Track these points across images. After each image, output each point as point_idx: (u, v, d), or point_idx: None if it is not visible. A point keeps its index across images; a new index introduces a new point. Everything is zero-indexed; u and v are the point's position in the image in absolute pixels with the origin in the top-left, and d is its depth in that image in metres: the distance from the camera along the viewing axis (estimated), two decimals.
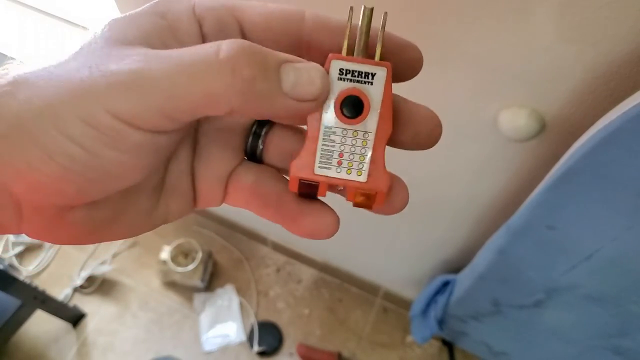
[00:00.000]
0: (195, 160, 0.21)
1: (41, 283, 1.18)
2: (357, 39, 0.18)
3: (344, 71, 0.18)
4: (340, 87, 0.18)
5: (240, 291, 1.25)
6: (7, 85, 0.15)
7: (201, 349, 1.16)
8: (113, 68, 0.15)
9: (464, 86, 0.55)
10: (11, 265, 1.22)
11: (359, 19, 0.18)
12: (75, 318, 1.15)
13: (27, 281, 1.00)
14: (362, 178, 0.19)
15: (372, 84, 0.18)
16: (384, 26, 0.18)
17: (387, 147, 0.19)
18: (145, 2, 0.18)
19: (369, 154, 0.18)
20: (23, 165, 0.15)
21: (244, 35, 0.19)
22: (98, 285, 1.21)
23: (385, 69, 0.18)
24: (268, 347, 1.16)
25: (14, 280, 0.94)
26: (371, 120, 0.18)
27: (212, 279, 1.25)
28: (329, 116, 0.18)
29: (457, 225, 0.81)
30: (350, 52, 0.18)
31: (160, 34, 0.17)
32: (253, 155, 0.21)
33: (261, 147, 0.21)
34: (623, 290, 0.51)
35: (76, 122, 0.15)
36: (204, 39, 0.18)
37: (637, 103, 0.39)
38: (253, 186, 0.20)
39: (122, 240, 1.27)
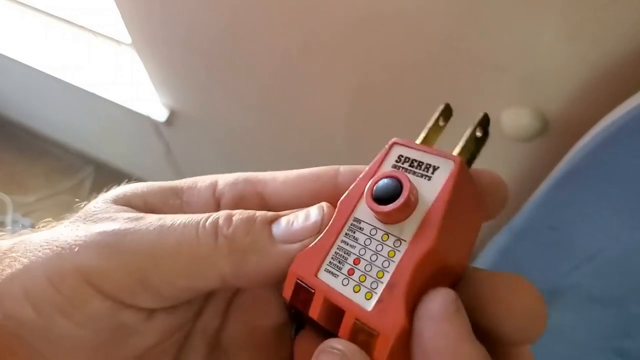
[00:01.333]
0: None
1: None
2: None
3: (402, 159, 0.15)
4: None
5: None
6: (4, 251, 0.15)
7: None
8: (99, 229, 0.14)
9: (465, 85, 0.55)
10: None
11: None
12: None
13: None
14: (368, 304, 0.13)
15: (429, 178, 0.14)
16: (479, 124, 0.15)
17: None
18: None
19: (391, 271, 0.13)
20: None
21: (267, 208, 0.17)
22: None
23: (451, 163, 0.14)
24: None
25: None
26: (410, 225, 0.13)
27: None
28: (364, 209, 0.14)
29: None
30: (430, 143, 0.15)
31: (170, 209, 0.16)
32: None
33: None
34: (626, 291, 0.51)
35: (41, 281, 0.14)
36: (219, 202, 0.17)
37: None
38: None
39: None
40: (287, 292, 0.15)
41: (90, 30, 0.95)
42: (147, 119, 0.93)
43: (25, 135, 1.45)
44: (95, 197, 0.17)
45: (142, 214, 0.15)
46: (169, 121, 0.92)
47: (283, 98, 0.73)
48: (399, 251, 0.13)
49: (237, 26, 0.63)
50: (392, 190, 0.13)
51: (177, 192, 0.17)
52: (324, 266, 0.14)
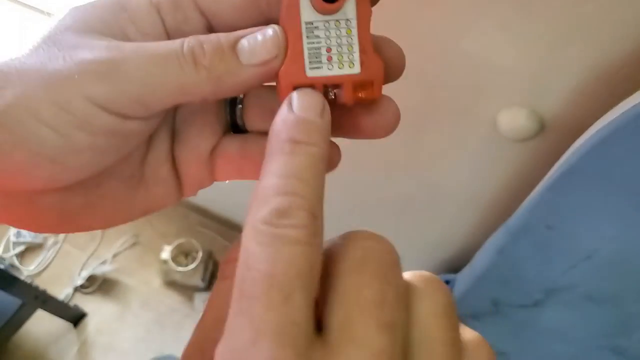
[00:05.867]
0: (175, 147, 0.21)
1: (42, 283, 1.18)
2: None
3: None
4: None
5: None
6: None
7: None
8: (88, 57, 0.16)
9: (463, 86, 0.55)
10: (12, 265, 1.22)
11: None
12: (76, 318, 1.15)
13: (28, 281, 1.00)
14: (356, 69, 0.18)
15: None
16: None
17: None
18: None
19: (356, 42, 0.18)
20: None
21: (199, 8, 0.19)
22: (99, 285, 1.21)
23: None
24: None
25: (15, 280, 0.95)
26: (349, 6, 0.18)
27: (213, 278, 1.25)
28: (307, 11, 0.18)
29: (457, 225, 0.81)
30: None
31: (121, 25, 0.18)
32: (236, 127, 0.21)
33: (240, 114, 0.21)
34: (622, 290, 0.51)
35: (50, 107, 0.16)
36: (164, 25, 0.19)
37: (637, 103, 0.40)
38: (241, 152, 0.21)
39: (123, 240, 1.27)
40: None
41: None
42: None
43: None
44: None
45: (118, 43, 0.17)
46: None
47: None
48: (353, 27, 0.18)
49: None
50: None
51: (121, 6, 0.19)
52: (307, 66, 0.18)
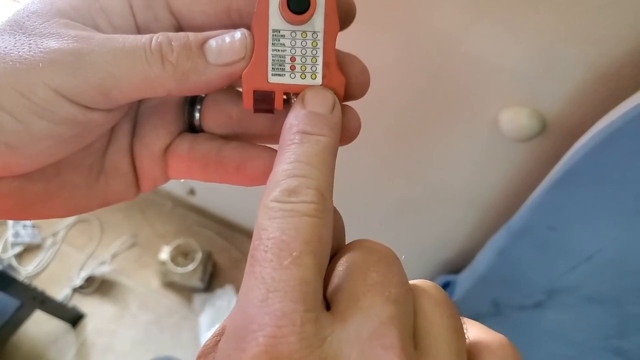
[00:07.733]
0: (134, 141, 0.21)
1: (40, 283, 1.18)
2: None
3: None
4: None
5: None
6: None
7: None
8: (54, 46, 0.16)
9: (464, 86, 0.55)
10: (10, 266, 1.22)
11: None
12: (74, 318, 1.14)
13: (27, 282, 1.00)
14: (317, 81, 0.18)
15: None
16: None
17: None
18: None
19: (321, 54, 0.18)
20: None
21: (171, 10, 0.19)
22: (97, 286, 1.21)
23: None
24: None
25: (13, 280, 0.94)
26: (318, 19, 0.18)
27: (212, 279, 1.25)
28: (276, 19, 0.18)
29: (457, 225, 0.80)
30: None
31: (93, 14, 0.18)
32: (192, 126, 0.22)
33: (198, 115, 0.21)
34: (623, 291, 0.51)
35: (10, 93, 0.16)
36: (135, 20, 0.19)
37: (638, 104, 0.39)
38: (190, 151, 0.21)
39: (121, 241, 1.27)
40: (248, 103, 0.18)
41: None
42: None
43: None
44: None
45: (87, 34, 0.17)
46: None
47: None
48: (319, 40, 0.18)
49: None
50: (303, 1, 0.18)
51: None
52: (270, 72, 0.18)
